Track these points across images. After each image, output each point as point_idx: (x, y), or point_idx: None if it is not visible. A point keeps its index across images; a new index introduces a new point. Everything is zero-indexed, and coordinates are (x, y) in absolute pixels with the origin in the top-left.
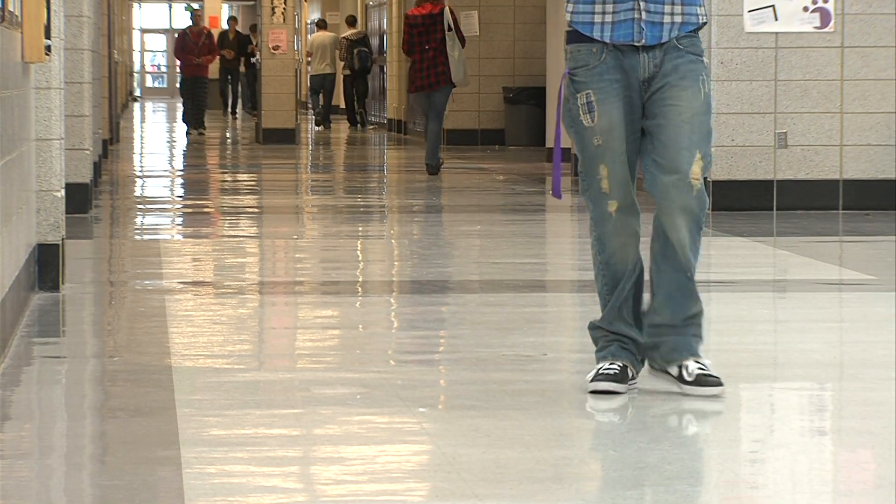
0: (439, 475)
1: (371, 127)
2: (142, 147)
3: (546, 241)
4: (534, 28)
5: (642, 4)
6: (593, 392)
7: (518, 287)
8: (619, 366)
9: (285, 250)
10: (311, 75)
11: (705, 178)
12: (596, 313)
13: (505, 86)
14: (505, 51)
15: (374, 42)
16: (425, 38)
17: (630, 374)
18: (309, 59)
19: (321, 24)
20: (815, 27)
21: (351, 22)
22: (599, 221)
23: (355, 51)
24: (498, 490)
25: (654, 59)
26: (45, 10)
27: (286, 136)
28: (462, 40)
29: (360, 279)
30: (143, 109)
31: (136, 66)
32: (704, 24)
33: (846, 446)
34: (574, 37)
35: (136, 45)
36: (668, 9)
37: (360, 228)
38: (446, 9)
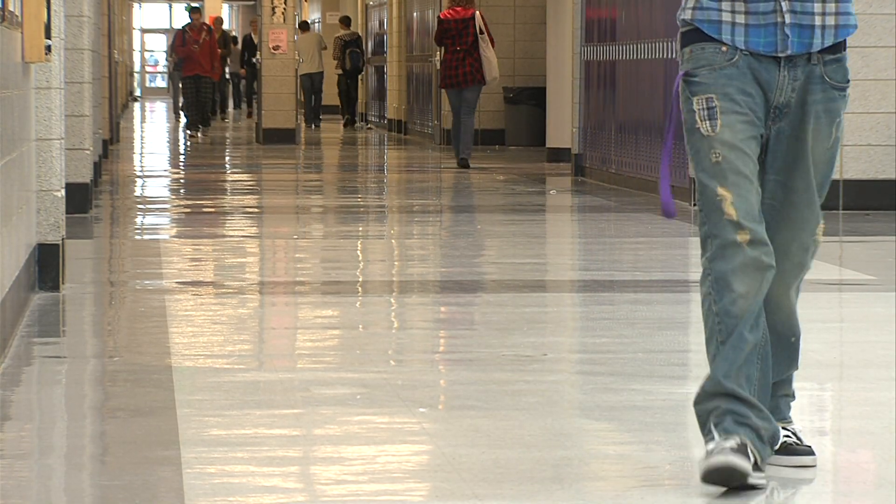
0: (439, 475)
1: (369, 127)
2: (142, 147)
3: (546, 241)
4: (534, 28)
5: (785, 4)
6: (709, 474)
7: (518, 287)
8: (737, 442)
9: (285, 250)
10: (301, 75)
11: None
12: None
13: (505, 86)
14: (505, 51)
15: (376, 42)
16: (457, 40)
17: (752, 457)
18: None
19: (304, 26)
20: None
21: (345, 22)
22: (721, 256)
23: (347, 51)
24: (498, 490)
25: (794, 80)
26: (46, 10)
27: (286, 136)
28: (492, 42)
29: (361, 279)
30: (143, 109)
31: (137, 66)
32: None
33: (846, 446)
34: (694, 37)
35: (136, 45)
36: (818, 7)
37: (360, 228)
38: (477, 13)
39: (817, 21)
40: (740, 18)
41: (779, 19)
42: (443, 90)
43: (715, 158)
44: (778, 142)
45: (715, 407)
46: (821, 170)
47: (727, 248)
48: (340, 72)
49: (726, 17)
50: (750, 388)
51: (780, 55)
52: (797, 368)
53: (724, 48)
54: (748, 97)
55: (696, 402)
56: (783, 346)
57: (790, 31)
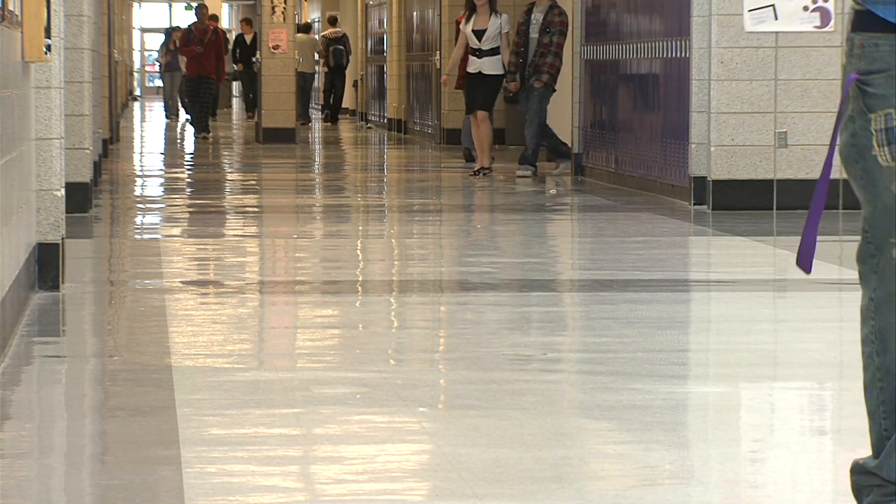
0: (439, 475)
1: (369, 126)
2: (142, 146)
3: (546, 240)
4: None
5: None
6: None
7: (518, 287)
8: None
9: (285, 250)
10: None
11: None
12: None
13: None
14: None
15: (375, 41)
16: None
17: None
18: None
19: (304, 28)
20: (815, 26)
21: (332, 21)
22: (887, 303)
23: (331, 48)
24: (498, 490)
25: None
26: (45, 10)
27: (286, 136)
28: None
29: (361, 279)
30: (143, 109)
31: (136, 66)
32: None
33: (846, 446)
34: (866, 22)
35: (135, 45)
36: None
37: (360, 228)
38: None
39: None
40: None
41: None
42: (444, 90)
43: None
44: None
45: (880, 485)
46: None
47: (893, 297)
48: (326, 69)
49: None
50: None
51: None
52: None
53: None
54: None
55: (856, 471)
56: None
57: None
